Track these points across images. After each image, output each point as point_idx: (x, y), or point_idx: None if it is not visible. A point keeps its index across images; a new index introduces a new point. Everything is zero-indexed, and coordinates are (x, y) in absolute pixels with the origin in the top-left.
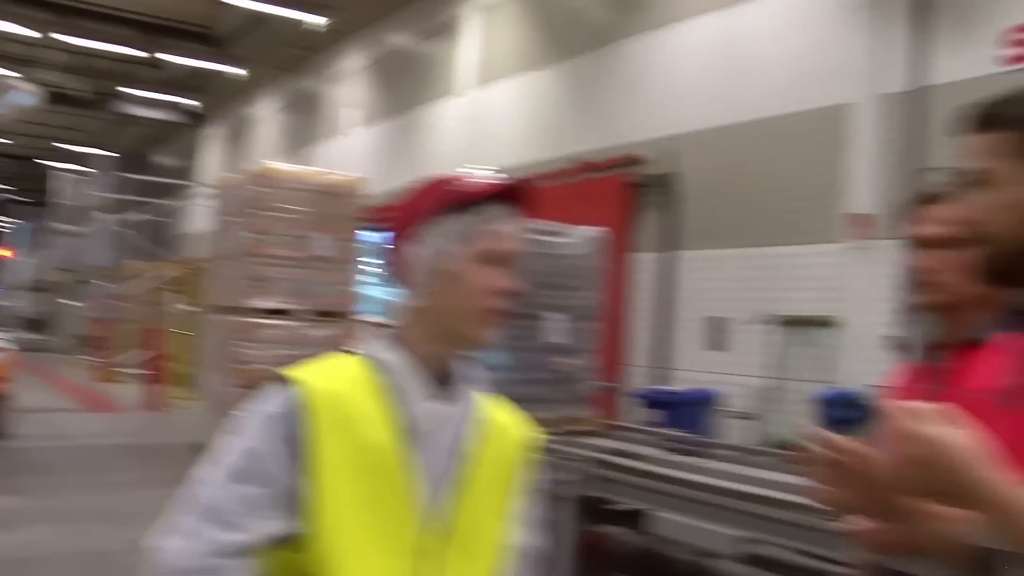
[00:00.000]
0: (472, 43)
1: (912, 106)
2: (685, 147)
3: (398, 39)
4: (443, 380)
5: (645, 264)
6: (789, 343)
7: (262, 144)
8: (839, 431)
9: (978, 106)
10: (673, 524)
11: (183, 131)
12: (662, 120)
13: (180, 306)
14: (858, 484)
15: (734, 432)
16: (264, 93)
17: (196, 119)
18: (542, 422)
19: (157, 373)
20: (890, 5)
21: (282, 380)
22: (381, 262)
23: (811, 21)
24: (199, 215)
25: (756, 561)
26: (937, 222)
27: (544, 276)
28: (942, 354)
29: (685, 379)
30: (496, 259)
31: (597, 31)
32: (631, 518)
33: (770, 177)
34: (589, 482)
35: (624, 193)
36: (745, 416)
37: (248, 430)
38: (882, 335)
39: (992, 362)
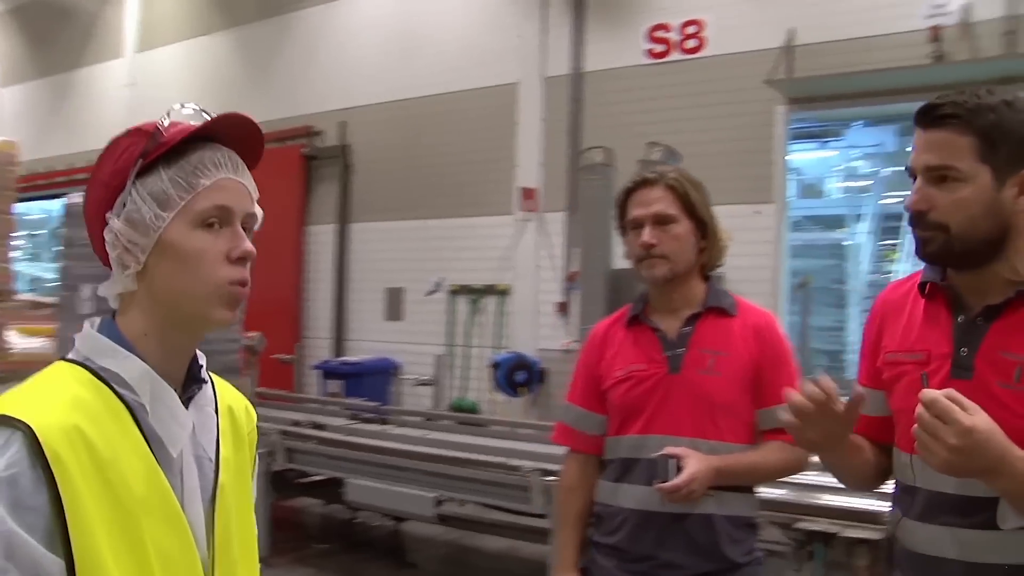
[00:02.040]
0: (133, 2)
1: (572, 89)
2: (361, 120)
3: None
4: (185, 376)
5: (322, 236)
6: (464, 311)
7: None
8: (514, 391)
9: (945, 102)
10: (367, 491)
11: None
12: (338, 92)
13: None
14: (825, 425)
15: (415, 399)
16: None
17: None
18: None
19: None
20: None
21: (0, 426)
22: (38, 236)
23: (484, 3)
24: None
25: (447, 519)
26: (654, 202)
27: None
28: (664, 318)
29: (366, 349)
30: (220, 218)
31: None
32: (326, 488)
33: (445, 151)
34: (276, 455)
35: (300, 165)
36: (424, 383)
37: None
38: (551, 301)
39: (725, 328)
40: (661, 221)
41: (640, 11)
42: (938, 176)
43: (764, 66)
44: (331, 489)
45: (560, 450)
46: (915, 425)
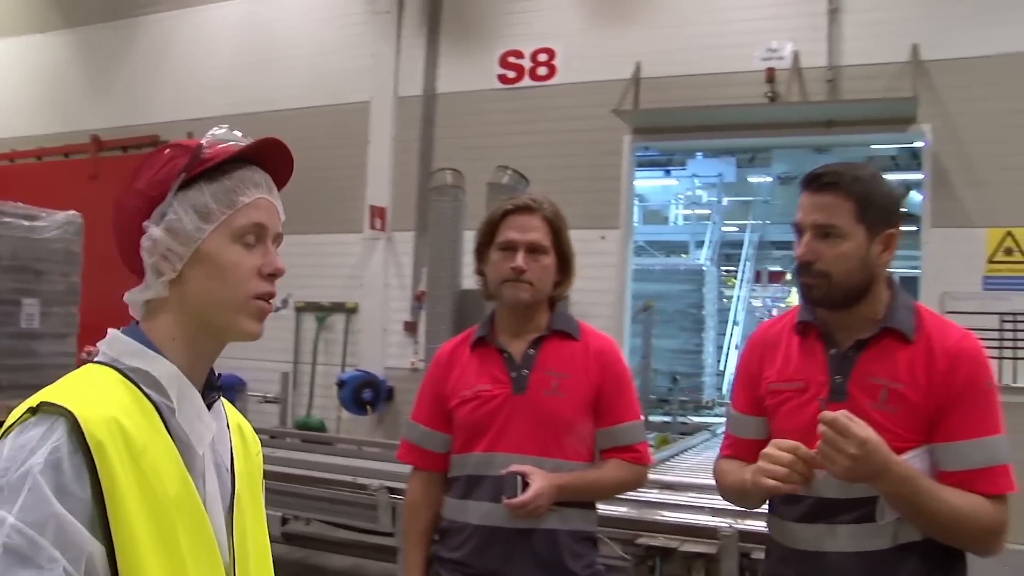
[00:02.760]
0: None
1: (424, 110)
2: (208, 130)
3: None
4: (205, 384)
5: None
6: (311, 328)
7: None
8: (360, 409)
9: (829, 172)
10: None
11: None
12: (187, 102)
13: None
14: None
15: (261, 416)
16: None
17: None
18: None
19: None
20: (412, 15)
21: (44, 412)
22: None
23: (340, 19)
24: None
25: (293, 538)
26: (532, 230)
27: (20, 260)
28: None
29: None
30: (256, 235)
31: (112, 1)
32: None
33: (297, 167)
34: None
35: None
36: (270, 400)
37: (12, 491)
38: (399, 320)
39: (569, 351)
40: (534, 250)
41: (493, 36)
42: (823, 232)
43: (612, 96)
44: None
45: (406, 468)
46: (819, 440)
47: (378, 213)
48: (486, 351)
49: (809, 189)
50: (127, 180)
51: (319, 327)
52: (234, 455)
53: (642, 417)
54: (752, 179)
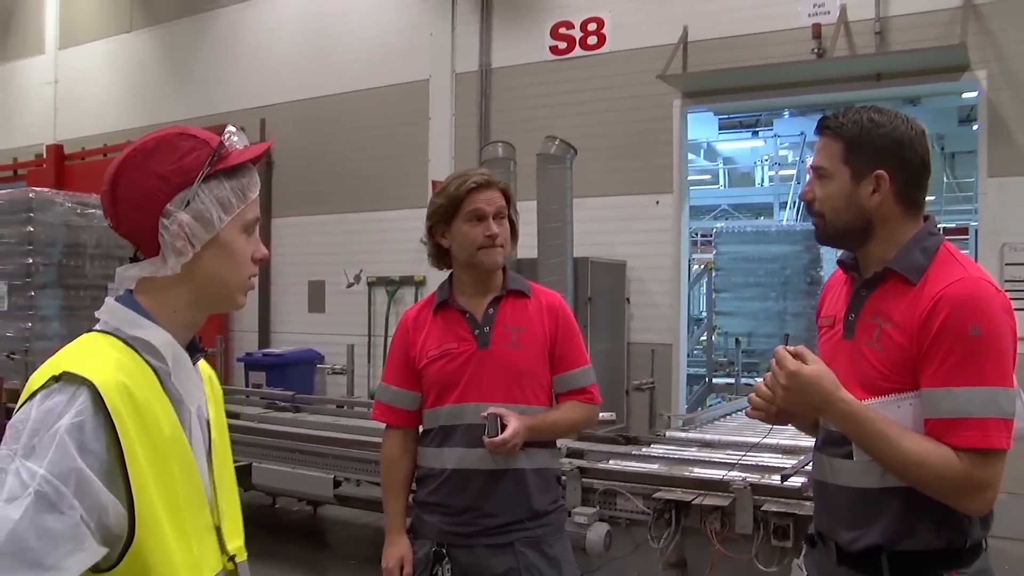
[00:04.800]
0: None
1: (480, 85)
2: (280, 117)
3: None
4: (190, 346)
5: None
6: (382, 302)
7: None
8: None
9: (832, 116)
10: (270, 473)
11: None
12: (256, 90)
13: None
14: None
15: (337, 388)
16: None
17: None
18: None
19: None
20: None
21: (67, 381)
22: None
23: (397, 1)
24: None
25: (346, 500)
26: (495, 201)
27: (104, 248)
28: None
29: (290, 341)
30: (254, 227)
31: None
32: (241, 476)
33: (360, 147)
34: None
35: None
36: (338, 372)
37: (43, 448)
38: None
39: (524, 308)
40: (499, 217)
41: (544, 9)
42: (817, 174)
43: (661, 61)
44: (245, 476)
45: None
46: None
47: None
48: (449, 313)
49: (816, 132)
50: (131, 160)
51: (390, 300)
52: (209, 407)
53: (590, 362)
54: None
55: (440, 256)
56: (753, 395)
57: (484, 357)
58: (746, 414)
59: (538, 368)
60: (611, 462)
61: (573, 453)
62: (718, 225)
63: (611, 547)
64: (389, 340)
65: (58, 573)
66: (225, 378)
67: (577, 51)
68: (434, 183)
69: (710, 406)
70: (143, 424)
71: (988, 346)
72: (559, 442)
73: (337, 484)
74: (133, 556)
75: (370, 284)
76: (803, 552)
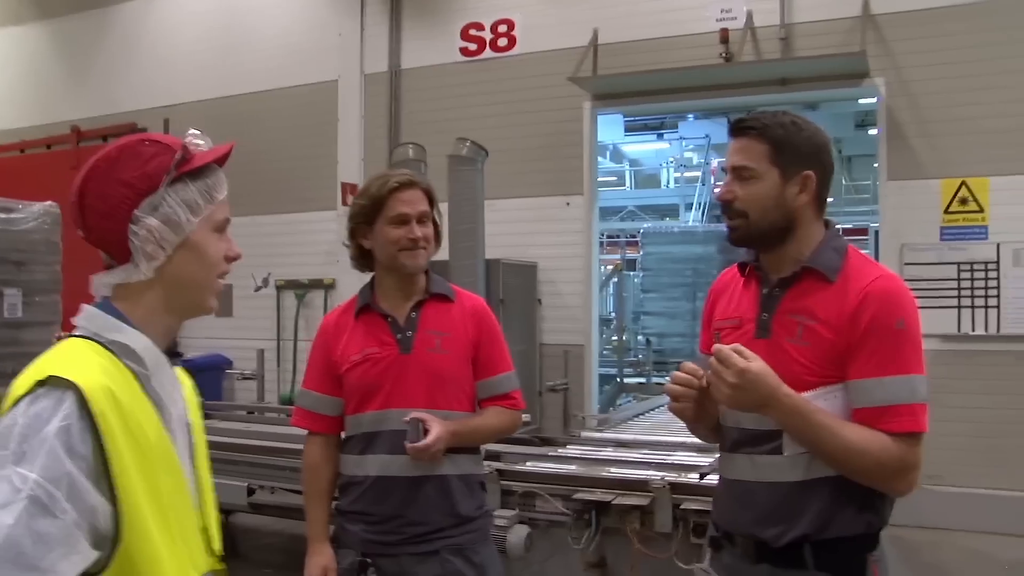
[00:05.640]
0: None
1: (390, 86)
2: (185, 117)
3: None
4: (167, 351)
5: None
6: (290, 306)
7: None
8: None
9: (748, 117)
10: None
11: None
12: (160, 89)
13: None
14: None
15: (247, 394)
16: None
17: None
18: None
19: None
20: None
21: (52, 385)
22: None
23: (304, 0)
24: None
25: (260, 508)
26: (418, 202)
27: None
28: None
29: (198, 346)
30: (223, 227)
31: None
32: None
33: (270, 148)
34: None
35: None
36: (247, 377)
37: (33, 452)
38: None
39: (446, 312)
40: (422, 220)
41: (454, 9)
42: (740, 174)
43: (571, 64)
44: None
45: None
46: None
47: (350, 190)
48: (370, 317)
49: (732, 134)
50: (96, 169)
51: (299, 304)
52: (189, 412)
53: (514, 368)
54: None
55: (362, 258)
56: (675, 387)
57: (406, 362)
58: (669, 408)
59: (461, 373)
60: (529, 464)
61: (491, 456)
62: (623, 226)
63: (532, 549)
64: (299, 345)
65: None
66: None
67: (488, 52)
68: (344, 185)
69: (620, 405)
70: (128, 427)
71: (910, 338)
72: None
73: (251, 492)
74: (122, 558)
75: (279, 288)
76: (707, 557)
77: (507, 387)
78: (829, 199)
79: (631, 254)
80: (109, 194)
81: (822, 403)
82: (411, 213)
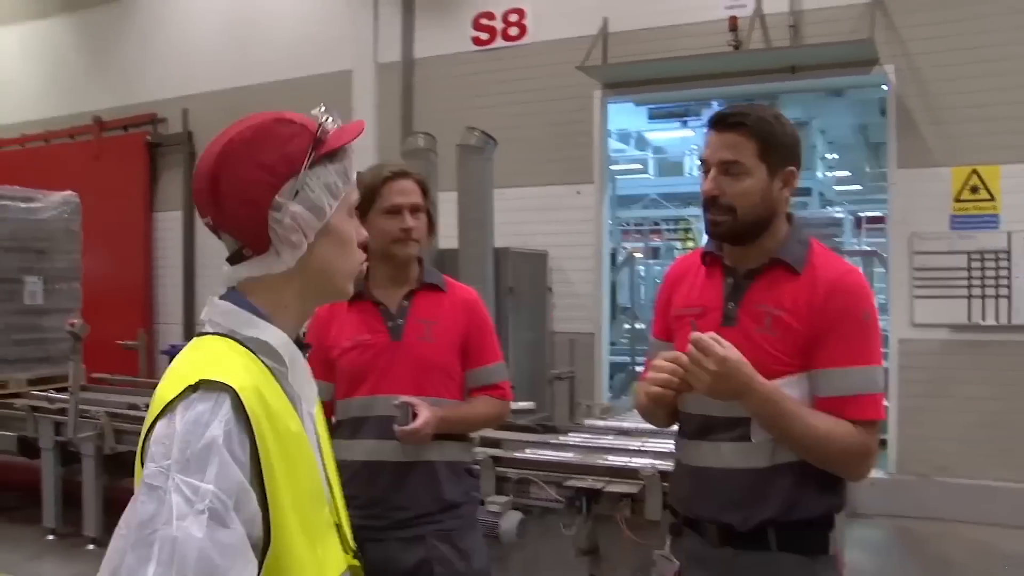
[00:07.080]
0: None
1: (403, 76)
2: (203, 107)
3: None
4: (296, 342)
5: (170, 223)
6: None
7: None
8: None
9: (734, 112)
10: None
11: None
12: (179, 79)
13: None
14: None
15: None
16: None
17: None
18: (30, 382)
19: None
20: None
21: (206, 389)
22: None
23: None
24: None
25: None
26: (411, 193)
27: (20, 240)
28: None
29: None
30: (354, 210)
31: None
32: None
33: None
34: (107, 437)
35: (144, 152)
36: None
37: (198, 460)
38: None
39: (438, 302)
40: (415, 210)
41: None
42: (728, 169)
43: (581, 53)
44: None
45: None
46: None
47: None
48: (363, 305)
49: (716, 128)
50: (230, 152)
51: None
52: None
53: (503, 359)
54: None
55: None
56: (656, 374)
57: (396, 349)
58: (648, 396)
59: (449, 362)
60: (526, 451)
61: (490, 442)
62: (647, 214)
63: (525, 535)
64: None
65: None
66: (148, 371)
67: (499, 42)
68: (358, 174)
69: (631, 394)
70: (276, 429)
71: (873, 329)
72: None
73: None
74: (269, 565)
75: None
76: (667, 542)
77: (496, 377)
78: (855, 187)
79: (655, 241)
80: (247, 179)
81: (788, 391)
82: (404, 203)
